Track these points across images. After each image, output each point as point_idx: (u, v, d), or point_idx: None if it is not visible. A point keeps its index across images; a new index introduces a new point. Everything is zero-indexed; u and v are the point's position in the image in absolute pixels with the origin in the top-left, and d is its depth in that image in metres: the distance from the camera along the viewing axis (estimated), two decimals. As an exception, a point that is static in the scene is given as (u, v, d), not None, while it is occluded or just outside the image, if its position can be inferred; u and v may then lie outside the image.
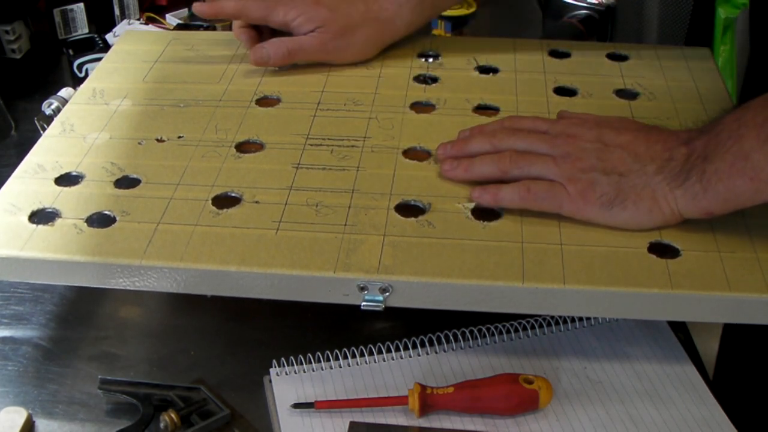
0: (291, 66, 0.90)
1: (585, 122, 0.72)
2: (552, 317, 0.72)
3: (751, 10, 0.93)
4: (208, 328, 0.73)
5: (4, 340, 0.72)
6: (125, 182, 0.73)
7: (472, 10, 1.15)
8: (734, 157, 0.61)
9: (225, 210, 0.69)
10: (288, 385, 0.67)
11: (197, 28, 1.12)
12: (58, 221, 0.69)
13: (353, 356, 0.69)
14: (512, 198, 0.68)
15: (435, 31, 1.15)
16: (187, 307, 0.75)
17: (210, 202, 0.70)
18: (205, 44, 0.94)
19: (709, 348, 0.72)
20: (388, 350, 0.69)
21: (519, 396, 0.64)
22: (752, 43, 0.92)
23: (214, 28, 1.12)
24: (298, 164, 0.75)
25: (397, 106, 0.83)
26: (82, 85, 0.87)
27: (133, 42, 0.95)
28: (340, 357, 0.69)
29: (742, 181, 0.61)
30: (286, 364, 0.68)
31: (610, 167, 0.67)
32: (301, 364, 0.68)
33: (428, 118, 0.82)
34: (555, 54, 0.92)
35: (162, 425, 0.63)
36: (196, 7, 0.90)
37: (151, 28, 1.14)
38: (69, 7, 1.13)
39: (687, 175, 0.64)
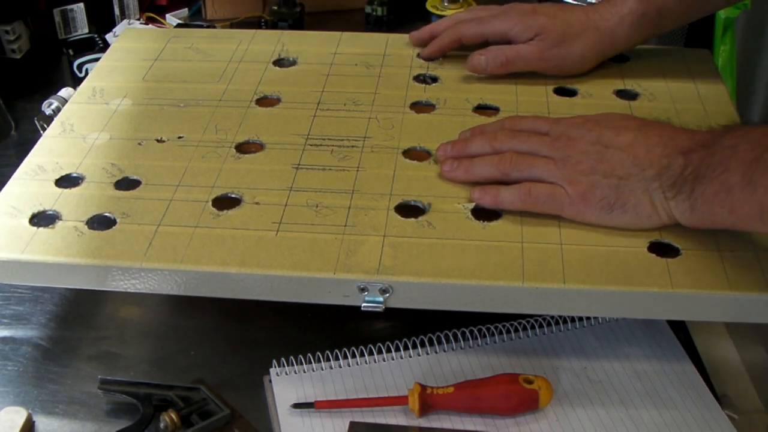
0: (291, 66, 0.90)
1: (585, 122, 0.71)
2: (552, 317, 0.72)
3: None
4: (208, 328, 0.74)
5: (4, 340, 0.72)
6: (125, 183, 0.73)
7: (472, 9, 1.15)
8: (719, 187, 0.61)
9: (225, 211, 0.69)
10: (288, 385, 0.67)
11: (197, 28, 1.12)
12: (59, 223, 0.69)
13: (353, 356, 0.69)
14: (513, 200, 0.68)
15: (435, 31, 1.15)
16: (187, 307, 0.75)
17: (210, 203, 0.70)
18: (205, 42, 0.94)
19: (710, 348, 0.72)
20: (388, 350, 0.69)
21: (519, 396, 0.64)
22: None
23: (214, 28, 1.12)
24: (298, 165, 0.75)
25: (397, 106, 0.83)
26: (82, 84, 0.87)
27: (132, 39, 0.95)
28: (340, 357, 0.69)
29: (722, 211, 0.61)
30: (286, 364, 0.68)
31: (609, 170, 0.67)
32: (301, 364, 0.68)
33: (428, 118, 0.82)
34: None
35: (162, 425, 0.63)
36: (421, 53, 0.91)
37: (151, 28, 1.14)
38: (69, 7, 1.13)
39: (679, 189, 0.64)
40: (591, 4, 0.87)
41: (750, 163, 0.59)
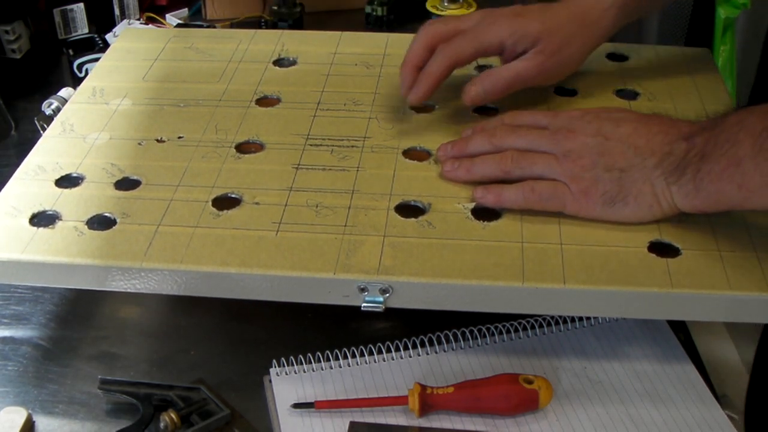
0: (291, 66, 0.90)
1: (584, 115, 0.71)
2: (552, 317, 0.72)
3: None
4: (208, 328, 0.74)
5: (4, 340, 0.72)
6: (125, 183, 0.73)
7: (472, 10, 1.15)
8: (728, 162, 0.61)
9: (225, 211, 0.69)
10: (288, 385, 0.67)
11: (197, 28, 1.12)
12: (59, 224, 0.69)
13: (353, 356, 0.69)
14: (516, 199, 0.68)
15: (435, 31, 1.14)
16: (187, 307, 0.75)
17: (210, 203, 0.70)
18: (205, 41, 0.94)
19: (710, 348, 0.73)
20: (388, 350, 0.69)
21: (519, 396, 0.64)
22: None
23: (214, 28, 1.12)
24: (298, 165, 0.75)
25: (397, 106, 0.83)
26: (82, 84, 0.87)
27: (132, 39, 0.95)
28: (340, 357, 0.69)
29: (731, 186, 0.61)
30: (286, 364, 0.68)
31: (611, 163, 0.66)
32: (301, 364, 0.68)
33: (428, 118, 0.82)
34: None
35: (162, 425, 0.63)
36: (411, 99, 0.78)
37: (151, 28, 1.14)
38: (69, 7, 1.13)
39: (683, 171, 0.64)
40: None
41: (760, 133, 0.59)
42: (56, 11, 1.12)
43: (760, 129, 0.60)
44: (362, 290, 0.64)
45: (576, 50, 0.79)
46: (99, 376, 0.67)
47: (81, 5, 1.13)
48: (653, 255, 0.65)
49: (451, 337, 0.70)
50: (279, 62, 0.91)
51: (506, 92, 0.78)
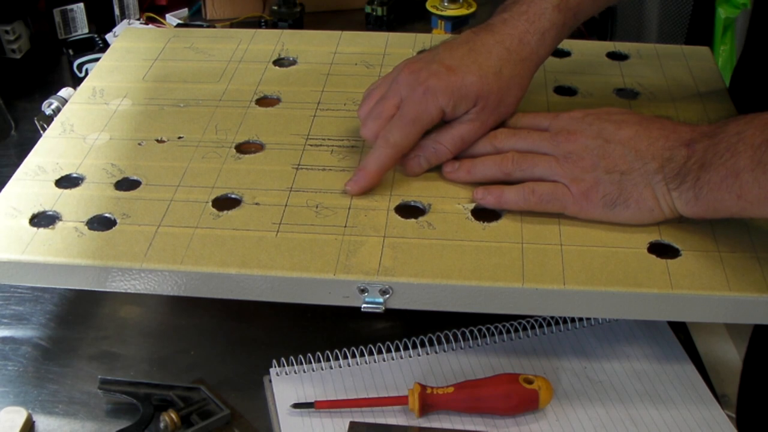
0: (291, 65, 0.90)
1: (585, 116, 0.71)
2: (552, 317, 0.72)
3: (753, 8, 0.92)
4: (208, 328, 0.74)
5: (4, 340, 0.72)
6: (125, 184, 0.73)
7: (472, 10, 1.15)
8: (727, 172, 0.61)
9: (225, 212, 0.69)
10: (288, 385, 0.67)
11: (197, 28, 1.12)
12: (59, 224, 0.69)
13: (353, 356, 0.69)
14: (517, 200, 0.68)
15: (435, 31, 1.15)
16: (187, 307, 0.75)
17: (210, 204, 0.70)
18: (205, 42, 0.94)
19: (710, 348, 0.73)
20: (388, 350, 0.69)
21: (519, 396, 0.64)
22: (748, 39, 0.92)
23: (214, 28, 1.12)
24: (298, 165, 0.75)
25: (397, 106, 0.82)
26: (82, 84, 0.87)
27: (132, 39, 0.95)
28: (340, 357, 0.69)
29: (730, 196, 0.61)
30: (286, 364, 0.68)
31: (611, 165, 0.66)
32: (301, 364, 0.68)
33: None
34: (555, 53, 0.91)
35: (162, 425, 0.63)
36: (350, 191, 0.71)
37: (151, 28, 1.14)
38: (69, 7, 1.13)
39: (683, 179, 0.64)
40: (493, 21, 0.75)
41: (759, 145, 0.59)
42: (56, 11, 1.12)
43: (759, 141, 0.59)
44: (362, 291, 0.64)
45: (517, 94, 0.74)
46: (99, 376, 0.67)
47: (81, 5, 1.13)
48: (653, 256, 0.65)
49: (451, 337, 0.70)
50: (279, 62, 0.91)
51: (450, 156, 0.73)
